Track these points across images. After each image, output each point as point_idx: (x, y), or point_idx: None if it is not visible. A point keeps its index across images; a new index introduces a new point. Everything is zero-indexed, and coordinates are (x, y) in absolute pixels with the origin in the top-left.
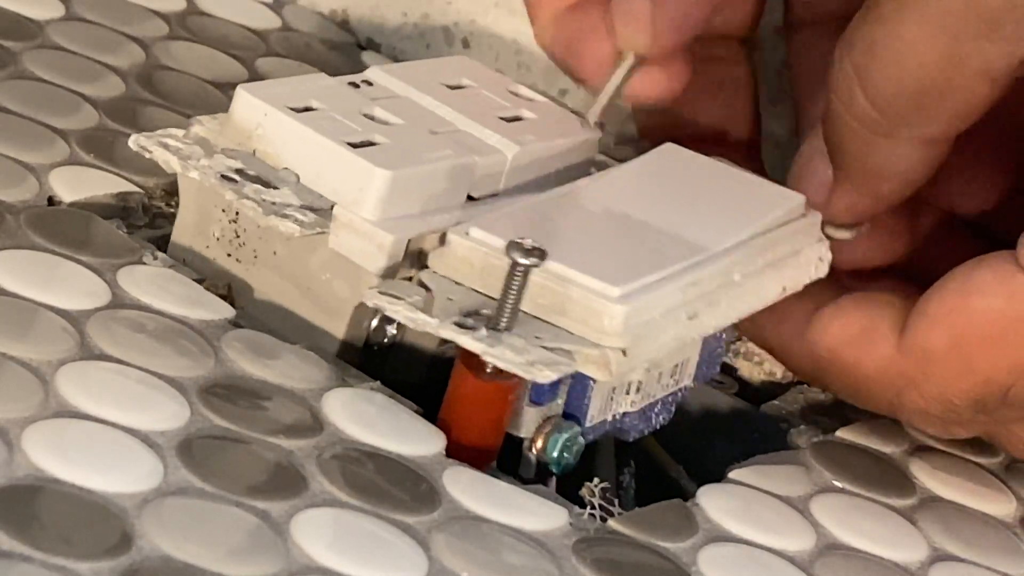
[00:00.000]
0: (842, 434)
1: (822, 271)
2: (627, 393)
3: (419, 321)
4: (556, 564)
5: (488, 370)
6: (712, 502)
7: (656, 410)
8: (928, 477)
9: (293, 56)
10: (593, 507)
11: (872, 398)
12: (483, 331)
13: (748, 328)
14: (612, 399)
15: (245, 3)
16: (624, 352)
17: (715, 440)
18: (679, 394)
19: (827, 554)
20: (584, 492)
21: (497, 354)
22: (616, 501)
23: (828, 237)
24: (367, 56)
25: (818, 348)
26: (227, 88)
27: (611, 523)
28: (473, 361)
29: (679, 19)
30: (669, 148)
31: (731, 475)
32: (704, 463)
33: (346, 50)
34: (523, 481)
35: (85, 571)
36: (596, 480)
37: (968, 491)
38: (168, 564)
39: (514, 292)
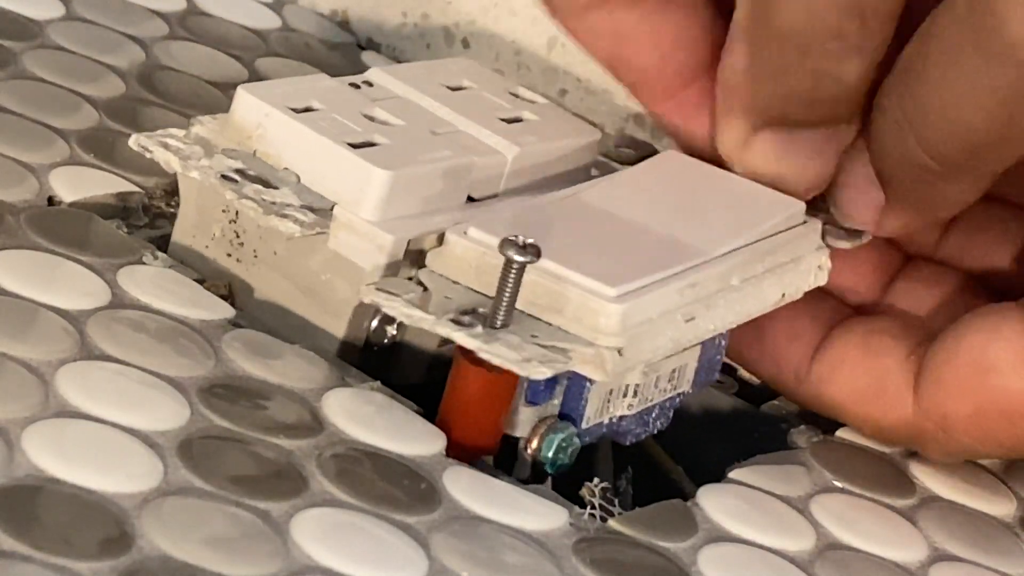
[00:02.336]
0: (842, 434)
1: (822, 279)
2: (624, 396)
3: (415, 317)
4: (556, 564)
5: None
6: (712, 502)
7: (654, 415)
8: (928, 477)
9: (293, 56)
10: (593, 507)
11: (888, 442)
12: (479, 328)
13: (739, 357)
14: (609, 402)
15: (245, 3)
16: (620, 352)
17: (715, 440)
18: (677, 399)
19: (827, 554)
20: (584, 492)
21: (493, 351)
22: (616, 502)
23: (829, 246)
24: (367, 56)
25: (823, 399)
26: (227, 88)
27: (611, 523)
28: (472, 354)
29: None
30: (670, 155)
31: (731, 475)
32: (704, 463)
33: (346, 50)
34: (521, 481)
35: (85, 571)
36: (596, 480)
37: (968, 491)
38: (168, 564)
39: (509, 289)
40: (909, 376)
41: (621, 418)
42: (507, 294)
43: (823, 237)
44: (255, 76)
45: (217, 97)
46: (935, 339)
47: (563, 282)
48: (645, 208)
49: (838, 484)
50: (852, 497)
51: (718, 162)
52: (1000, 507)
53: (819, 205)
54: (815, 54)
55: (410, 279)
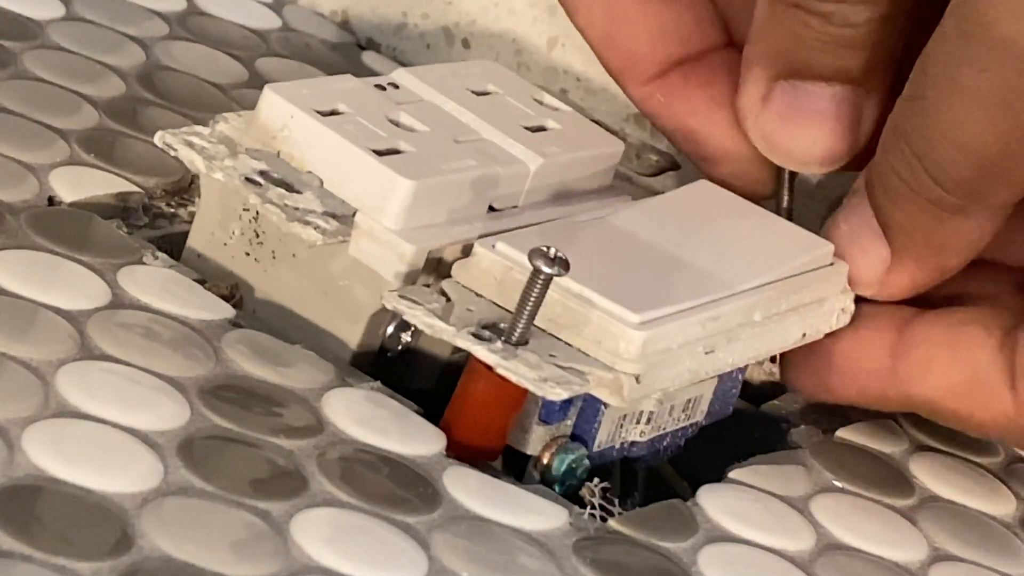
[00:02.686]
0: (842, 434)
1: (843, 321)
2: (637, 423)
3: (436, 328)
4: (556, 564)
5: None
6: (712, 502)
7: (664, 443)
8: (928, 477)
9: (293, 56)
10: (593, 507)
11: (987, 437)
12: (499, 344)
13: (805, 382)
14: (622, 427)
15: (245, 3)
16: (638, 379)
17: (715, 440)
18: (690, 430)
19: (827, 554)
20: (584, 492)
21: (511, 368)
22: (616, 502)
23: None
24: (367, 56)
25: (914, 399)
26: (227, 88)
27: (611, 523)
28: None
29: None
30: (703, 184)
31: (731, 475)
32: (704, 463)
33: (346, 50)
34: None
35: (85, 571)
36: (596, 480)
37: (968, 491)
38: (168, 564)
39: (532, 300)
40: (1005, 369)
41: (632, 444)
42: (530, 305)
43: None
44: (255, 76)
45: (217, 97)
46: None
47: (586, 303)
48: (674, 237)
49: (838, 484)
50: (852, 497)
51: (697, 146)
52: (1000, 507)
53: None
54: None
55: (427, 287)
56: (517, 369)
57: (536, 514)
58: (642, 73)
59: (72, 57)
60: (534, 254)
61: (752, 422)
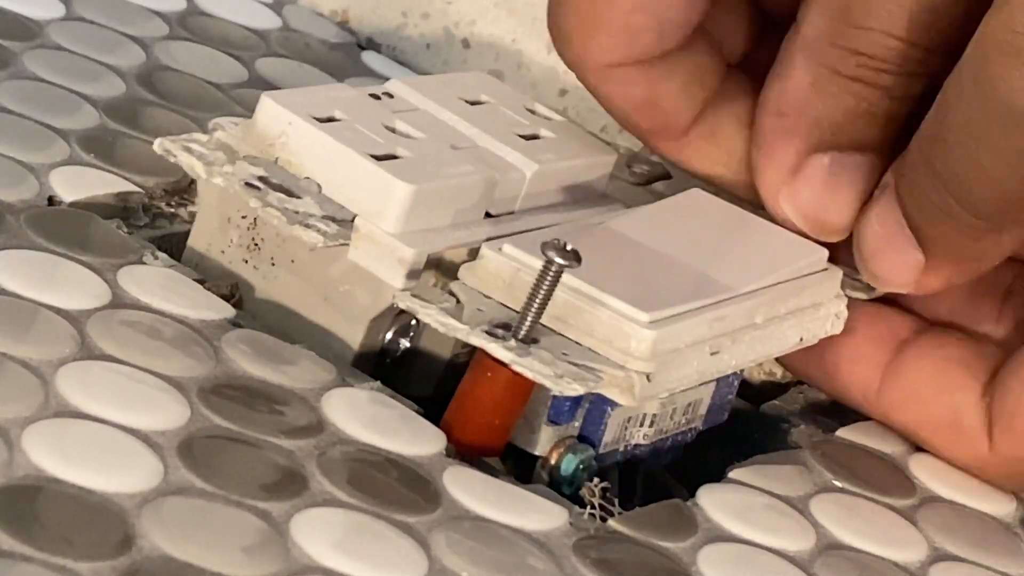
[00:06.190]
0: (842, 434)
1: (837, 327)
2: (641, 425)
3: (450, 326)
4: (556, 564)
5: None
6: (712, 502)
7: (667, 446)
8: (928, 477)
9: (293, 56)
10: (593, 507)
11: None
12: (512, 342)
13: (802, 369)
14: (626, 429)
15: (245, 3)
16: (649, 377)
17: (715, 440)
18: (689, 434)
19: (827, 554)
20: (584, 492)
21: (526, 364)
22: (616, 502)
23: (846, 295)
24: (367, 56)
25: (895, 423)
26: (227, 88)
27: (611, 523)
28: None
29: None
30: (696, 193)
31: (731, 475)
32: (704, 463)
33: (346, 50)
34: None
35: (85, 571)
36: (596, 480)
37: (968, 491)
38: (168, 564)
39: (543, 292)
40: (984, 416)
41: (636, 447)
42: (540, 297)
43: (841, 286)
44: (255, 76)
45: (217, 97)
46: (1006, 375)
47: (596, 304)
48: (672, 242)
49: (838, 484)
50: (852, 497)
51: (724, 187)
52: (1000, 507)
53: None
54: (890, 73)
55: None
56: (532, 365)
57: (536, 514)
58: (678, 129)
59: (72, 57)
60: (547, 246)
61: (752, 422)
